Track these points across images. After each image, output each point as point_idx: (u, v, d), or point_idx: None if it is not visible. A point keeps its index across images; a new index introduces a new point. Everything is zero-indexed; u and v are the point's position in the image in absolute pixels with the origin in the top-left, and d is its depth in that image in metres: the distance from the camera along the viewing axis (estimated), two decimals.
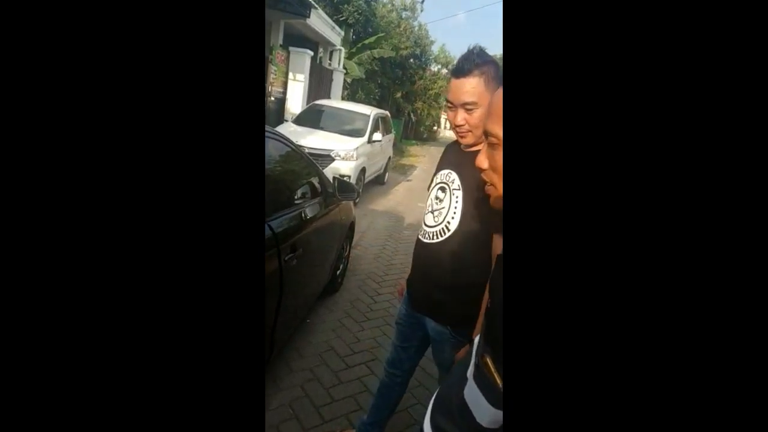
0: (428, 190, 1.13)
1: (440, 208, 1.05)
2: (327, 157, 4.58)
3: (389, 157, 7.00)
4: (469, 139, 0.99)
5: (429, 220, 1.08)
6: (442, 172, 1.08)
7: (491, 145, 0.51)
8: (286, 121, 6.20)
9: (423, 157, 11.34)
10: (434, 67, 18.14)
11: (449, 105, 0.98)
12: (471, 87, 0.93)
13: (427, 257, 1.07)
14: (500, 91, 0.50)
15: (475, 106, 0.94)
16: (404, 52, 13.77)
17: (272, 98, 7.01)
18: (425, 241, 1.08)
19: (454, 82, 0.95)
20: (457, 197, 1.02)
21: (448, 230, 1.02)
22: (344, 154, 4.71)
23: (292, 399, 1.62)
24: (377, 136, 5.52)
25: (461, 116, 0.95)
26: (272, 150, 1.77)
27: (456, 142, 1.08)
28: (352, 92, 11.18)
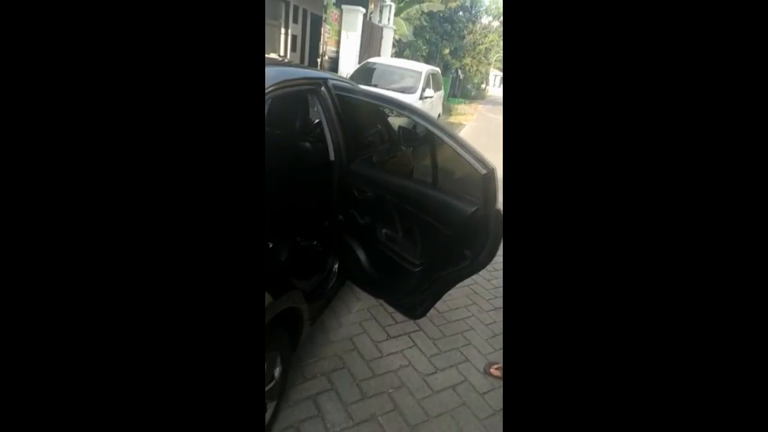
0: None
1: None
2: None
3: (439, 114, 7.06)
4: None
5: None
6: None
7: None
8: None
9: (471, 116, 11.01)
10: (485, 20, 17.01)
11: None
12: None
13: None
14: None
15: None
16: (453, 5, 13.22)
17: (326, 57, 7.18)
18: None
19: None
20: None
21: None
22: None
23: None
24: (428, 92, 5.62)
25: None
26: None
27: None
28: (399, 50, 11.07)
